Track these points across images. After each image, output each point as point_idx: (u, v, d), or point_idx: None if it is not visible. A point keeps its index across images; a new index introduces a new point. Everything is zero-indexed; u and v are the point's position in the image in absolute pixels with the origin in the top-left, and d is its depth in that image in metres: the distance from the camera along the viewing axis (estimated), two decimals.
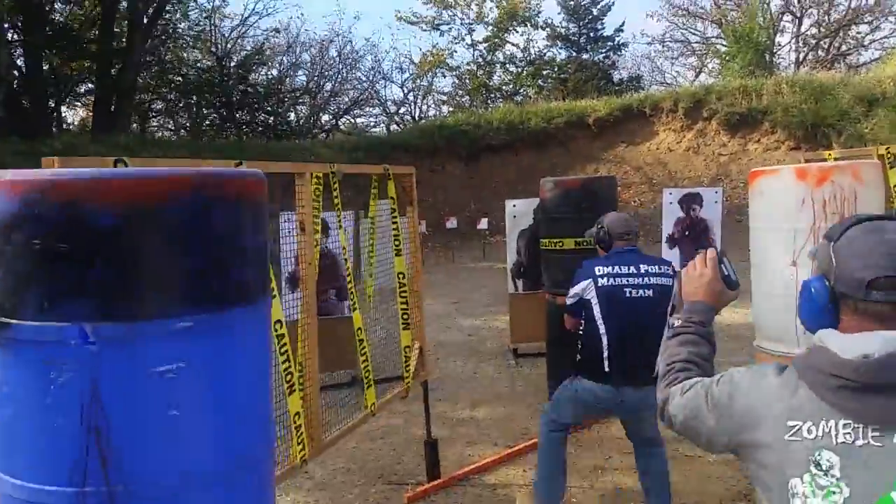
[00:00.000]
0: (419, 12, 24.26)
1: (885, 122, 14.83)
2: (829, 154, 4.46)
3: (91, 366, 1.35)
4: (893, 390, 1.14)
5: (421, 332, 4.20)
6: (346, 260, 3.69)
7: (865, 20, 28.63)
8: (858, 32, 28.89)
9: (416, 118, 27.62)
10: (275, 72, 25.88)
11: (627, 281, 3.24)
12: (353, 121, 28.96)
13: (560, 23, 29.26)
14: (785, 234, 3.39)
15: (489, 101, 24.67)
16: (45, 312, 1.35)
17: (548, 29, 27.23)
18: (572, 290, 3.41)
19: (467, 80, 24.76)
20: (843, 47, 29.36)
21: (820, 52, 29.20)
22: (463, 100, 25.03)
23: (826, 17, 28.62)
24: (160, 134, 24.23)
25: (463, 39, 24.27)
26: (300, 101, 26.63)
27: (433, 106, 28.88)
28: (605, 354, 3.23)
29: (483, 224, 14.33)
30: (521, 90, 26.32)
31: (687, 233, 8.06)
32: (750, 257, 3.83)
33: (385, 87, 28.81)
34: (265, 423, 1.68)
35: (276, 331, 2.64)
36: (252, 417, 1.59)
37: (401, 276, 3.89)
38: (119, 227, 1.33)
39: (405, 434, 5.18)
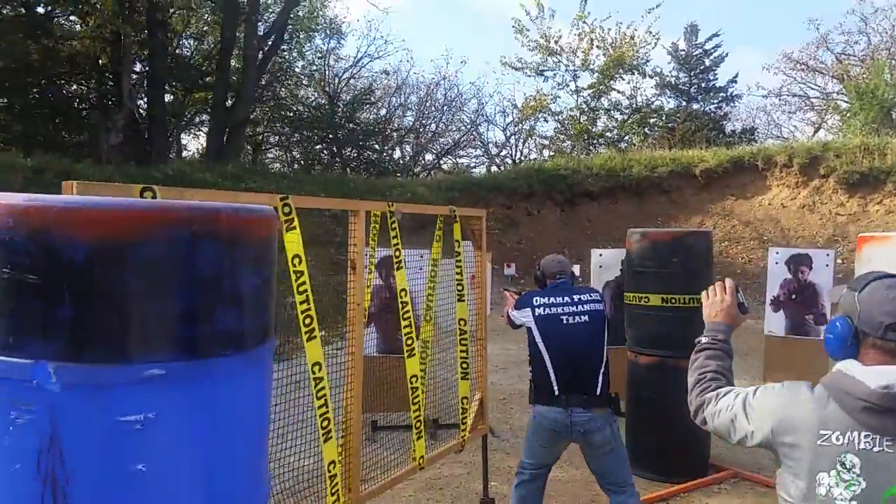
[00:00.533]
0: (524, 58, 24.37)
1: None
2: None
3: (51, 409, 1.23)
4: None
5: (482, 382, 3.97)
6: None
7: None
8: None
9: (516, 161, 27.61)
10: (383, 111, 26.67)
11: (563, 309, 3.55)
12: (454, 161, 29.32)
13: (670, 72, 28.66)
14: None
15: (591, 148, 24.28)
16: (10, 347, 1.24)
17: (656, 78, 26.66)
18: (515, 316, 3.73)
19: (569, 126, 24.50)
20: None
21: None
22: (564, 145, 24.76)
23: None
24: (276, 166, 25.36)
25: (567, 85, 24.13)
26: (405, 140, 27.24)
27: (534, 150, 28.81)
28: (552, 377, 3.49)
29: (576, 270, 13.88)
30: (626, 137, 25.77)
31: (794, 296, 7.43)
32: None
33: (487, 129, 29.09)
34: (253, 480, 1.51)
35: (314, 373, 2.51)
36: (235, 475, 1.43)
37: (462, 322, 3.69)
38: (91, 261, 1.21)
39: (466, 487, 4.91)
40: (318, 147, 24.80)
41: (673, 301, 5.04)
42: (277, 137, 25.60)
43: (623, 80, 24.11)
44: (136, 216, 1.24)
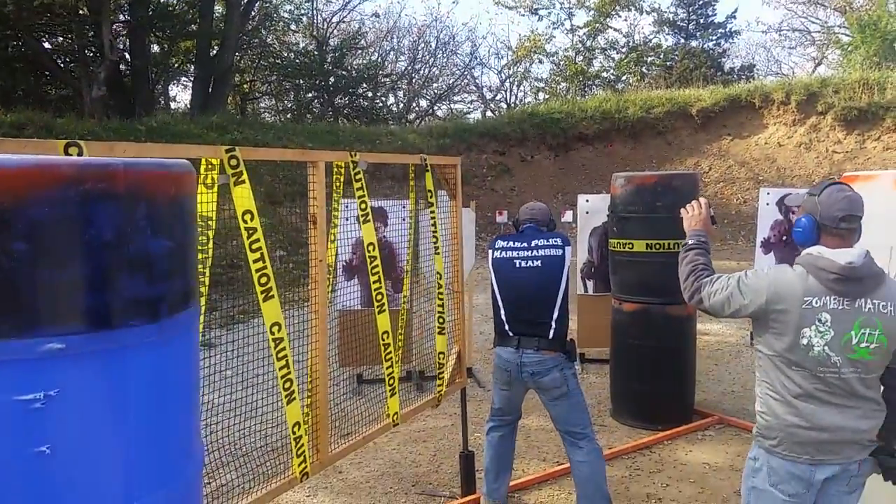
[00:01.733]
0: None
1: None
2: None
3: None
4: (858, 280, 2.20)
5: (460, 335, 3.90)
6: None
7: None
8: None
9: (511, 105, 27.14)
10: (374, 56, 26.06)
11: (517, 253, 3.58)
12: (449, 107, 28.84)
13: (668, 8, 27.90)
14: (878, 251, 2.85)
15: (588, 89, 23.82)
16: None
17: (654, 14, 25.99)
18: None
19: (565, 67, 23.97)
20: None
21: None
22: (560, 87, 24.28)
23: None
24: (266, 116, 24.88)
25: (562, 24, 23.51)
26: (397, 86, 26.71)
27: (529, 93, 28.30)
28: (505, 319, 3.56)
29: (567, 217, 13.75)
30: (623, 77, 25.28)
31: (784, 238, 7.33)
32: None
33: (482, 73, 28.50)
34: (180, 454, 1.43)
35: (272, 334, 2.42)
36: (158, 450, 1.35)
37: (438, 275, 3.60)
38: None
39: (449, 439, 4.90)
40: (309, 96, 24.32)
41: (658, 247, 4.94)
42: (267, 86, 25.09)
43: (620, 17, 23.54)
44: (15, 176, 1.12)
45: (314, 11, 24.46)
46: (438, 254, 3.62)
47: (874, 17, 20.18)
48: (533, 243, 3.57)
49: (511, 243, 3.61)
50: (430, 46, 25.80)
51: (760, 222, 7.42)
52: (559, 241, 3.57)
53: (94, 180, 1.18)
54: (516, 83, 26.17)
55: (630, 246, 5.04)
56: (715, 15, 28.26)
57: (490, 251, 3.68)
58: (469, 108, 28.55)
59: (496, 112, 26.79)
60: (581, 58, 23.63)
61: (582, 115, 18.06)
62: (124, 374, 1.27)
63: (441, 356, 3.65)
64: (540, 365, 3.47)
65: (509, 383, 3.61)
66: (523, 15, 23.80)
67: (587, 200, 6.42)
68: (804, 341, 2.21)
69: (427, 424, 5.15)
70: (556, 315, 3.47)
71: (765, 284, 2.28)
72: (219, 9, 19.03)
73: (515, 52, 23.47)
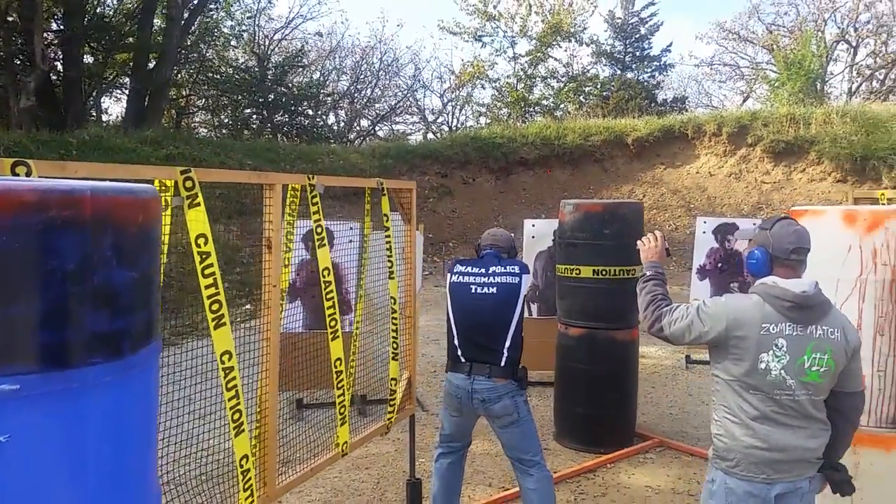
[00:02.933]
0: (462, 22, 24.00)
1: None
2: (882, 193, 4.01)
3: None
4: (810, 308, 2.36)
5: (411, 360, 3.86)
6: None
7: None
8: None
9: (453, 128, 27.36)
10: (316, 75, 25.89)
11: (474, 279, 3.55)
12: (390, 127, 28.85)
13: (606, 40, 28.78)
14: (825, 283, 2.96)
15: (528, 116, 24.25)
16: None
17: (592, 45, 26.75)
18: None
19: (506, 93, 24.36)
20: None
21: (874, 84, 28.22)
22: (501, 112, 24.64)
23: (883, 48, 27.64)
24: (202, 132, 24.32)
25: (505, 52, 23.91)
26: (339, 105, 26.58)
27: (471, 117, 28.61)
28: (458, 344, 3.52)
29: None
30: (562, 105, 25.86)
31: (720, 265, 7.57)
32: None
33: (424, 95, 28.64)
34: (138, 493, 1.34)
35: (223, 363, 2.33)
36: (115, 491, 1.26)
37: (392, 301, 3.55)
38: None
39: (393, 466, 4.82)
40: (247, 112, 23.91)
41: (604, 273, 5.02)
42: (204, 101, 24.56)
43: (560, 47, 24.10)
44: None
45: (255, 28, 24.19)
46: (393, 278, 3.57)
47: (799, 56, 21.29)
48: (491, 270, 3.55)
49: (469, 268, 3.59)
50: (374, 67, 25.83)
51: (697, 250, 7.67)
52: (517, 269, 3.55)
53: (58, 207, 1.10)
54: (458, 107, 26.45)
55: (577, 272, 5.11)
56: (651, 48, 29.32)
57: (448, 275, 3.65)
58: (411, 129, 28.66)
59: (437, 135, 26.98)
60: (522, 85, 24.06)
61: (523, 141, 18.35)
62: (83, 416, 1.18)
63: (393, 382, 3.59)
64: (491, 392, 3.42)
65: (460, 410, 3.56)
66: (467, 41, 24.10)
67: (533, 225, 6.50)
68: (762, 366, 2.34)
69: (369, 451, 5.05)
70: (508, 343, 3.43)
71: (724, 312, 2.40)
72: (157, 21, 18.58)
73: (459, 77, 23.75)
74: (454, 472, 3.73)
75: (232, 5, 22.26)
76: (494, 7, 23.03)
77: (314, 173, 3.04)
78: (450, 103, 28.39)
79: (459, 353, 3.51)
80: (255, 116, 24.04)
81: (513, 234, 3.92)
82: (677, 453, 5.15)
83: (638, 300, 2.67)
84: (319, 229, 2.92)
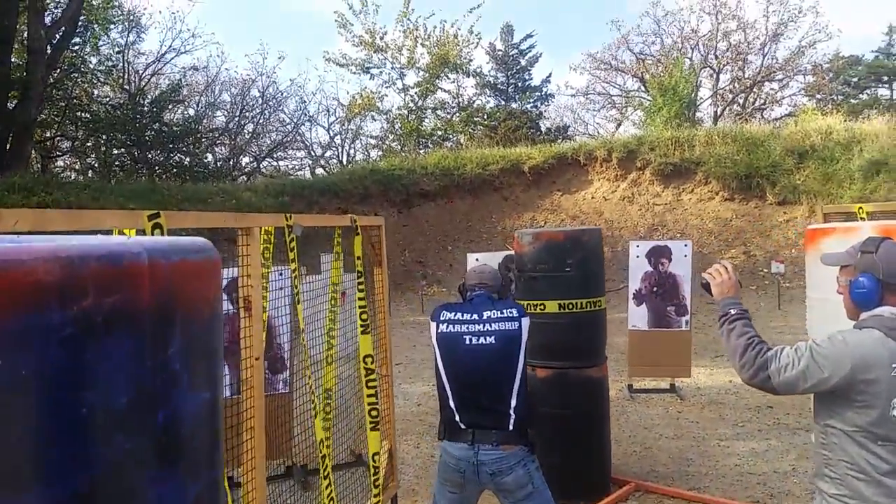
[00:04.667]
0: (349, 54, 23.58)
1: (816, 174, 15.02)
2: (860, 207, 3.89)
3: None
4: None
5: (391, 429, 3.26)
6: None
7: (776, 78, 30.11)
8: (772, 88, 30.32)
9: (344, 162, 26.73)
10: (192, 111, 24.54)
11: (467, 328, 3.01)
12: (275, 164, 27.80)
13: (489, 72, 29.33)
14: None
15: (423, 147, 24.10)
16: None
17: (477, 77, 27.10)
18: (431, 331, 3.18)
19: (398, 125, 24.10)
20: (758, 102, 30.64)
21: (736, 107, 30.35)
22: (393, 144, 24.32)
23: (741, 74, 29.85)
24: (67, 174, 22.30)
25: (394, 83, 23.68)
26: (219, 142, 25.30)
27: (361, 150, 28.11)
28: (455, 409, 3.00)
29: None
30: (452, 136, 25.92)
31: (655, 289, 7.45)
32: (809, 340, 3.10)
33: (311, 129, 27.87)
34: None
35: None
36: None
37: (368, 359, 2.96)
38: None
39: None
40: (117, 152, 22.19)
41: (570, 307, 4.64)
42: (70, 142, 22.60)
43: (448, 79, 24.17)
44: None
45: (125, 64, 22.64)
46: (367, 333, 2.99)
47: (672, 82, 22.43)
48: (485, 315, 3.02)
49: (459, 315, 3.05)
50: (255, 101, 24.84)
51: (632, 274, 7.52)
52: (515, 313, 3.05)
53: (99, 289, 0.51)
54: (348, 140, 25.90)
55: (541, 307, 4.69)
56: (531, 79, 30.24)
57: (434, 324, 3.09)
58: (297, 164, 27.77)
59: (327, 169, 26.24)
60: (413, 116, 23.90)
61: (423, 172, 18.06)
62: None
63: (375, 457, 2.98)
64: (501, 463, 2.91)
65: (462, 485, 3.00)
66: (355, 73, 23.66)
67: (476, 259, 6.04)
68: (894, 412, 2.03)
69: None
70: (514, 401, 2.94)
71: (847, 353, 2.07)
72: (15, 58, 16.88)
73: (348, 109, 23.23)
74: None
75: (99, 39, 20.72)
76: (381, 38, 22.80)
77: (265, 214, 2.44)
78: (338, 136, 27.80)
79: (458, 418, 2.98)
80: (126, 156, 22.35)
81: (498, 270, 3.43)
82: (658, 497, 4.82)
83: (727, 345, 2.28)
84: (297, 281, 2.31)
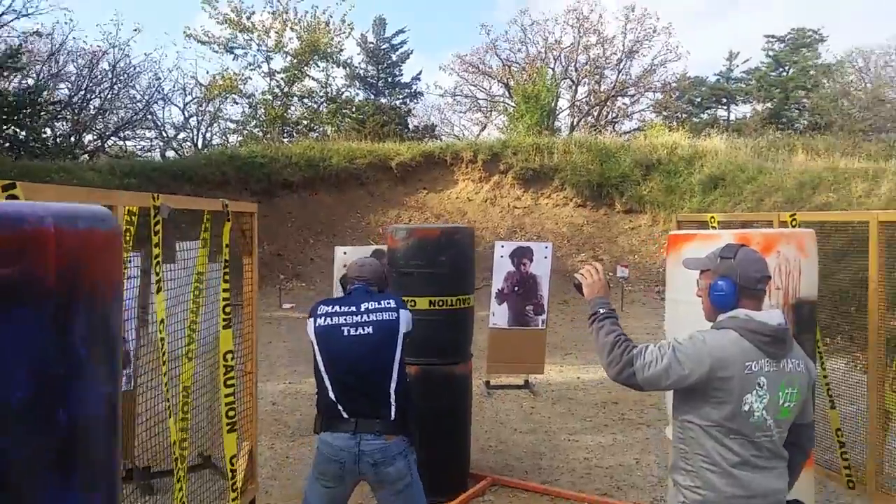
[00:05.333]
0: (212, 32, 22.40)
1: (661, 186, 16.17)
2: (713, 217, 4.20)
3: None
4: (783, 342, 2.24)
5: (253, 429, 3.10)
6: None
7: (629, 93, 32.15)
8: (624, 103, 32.32)
9: (199, 145, 25.37)
10: (31, 81, 22.27)
11: (345, 320, 3.06)
12: (122, 143, 25.88)
13: (359, 64, 29.04)
14: None
15: (288, 136, 23.39)
16: None
17: (347, 68, 26.74)
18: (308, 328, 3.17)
19: (261, 110, 23.22)
20: (610, 115, 32.57)
21: (590, 119, 32.09)
22: (255, 130, 23.41)
23: (597, 87, 31.58)
24: None
25: (259, 66, 22.78)
26: (60, 116, 23.17)
27: (219, 134, 26.82)
28: (335, 400, 3.00)
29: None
30: (319, 127, 25.40)
31: (517, 288, 7.67)
32: (666, 338, 3.29)
33: (164, 108, 26.20)
34: None
35: None
36: None
37: (229, 356, 2.79)
38: None
39: None
40: None
41: (441, 304, 4.66)
42: None
43: (318, 66, 23.62)
44: None
45: None
46: (229, 328, 2.81)
47: (536, 91, 23.31)
48: (363, 307, 3.06)
49: (336, 307, 3.07)
50: (106, 75, 22.99)
51: (495, 274, 7.70)
52: (392, 304, 3.11)
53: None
54: (206, 123, 24.61)
55: (413, 303, 4.65)
56: (402, 75, 30.30)
57: (311, 319, 3.08)
58: (148, 145, 26.02)
59: (179, 152, 24.80)
60: (279, 103, 23.14)
61: (286, 161, 17.54)
62: None
63: (234, 460, 2.82)
64: (383, 453, 2.92)
65: (340, 478, 2.97)
66: (217, 52, 22.49)
67: (345, 252, 5.92)
68: (745, 407, 2.16)
69: None
70: (394, 390, 2.98)
71: (705, 351, 2.17)
72: None
73: (208, 90, 22.07)
74: None
75: None
76: (248, 19, 21.86)
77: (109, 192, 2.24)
78: (193, 118, 26.35)
79: (340, 408, 2.96)
80: None
81: (383, 264, 3.46)
82: (513, 490, 4.95)
83: (595, 342, 2.36)
84: (159, 269, 2.12)
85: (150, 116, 25.01)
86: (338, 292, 6.01)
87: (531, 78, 25.03)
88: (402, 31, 29.54)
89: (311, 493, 3.04)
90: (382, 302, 3.10)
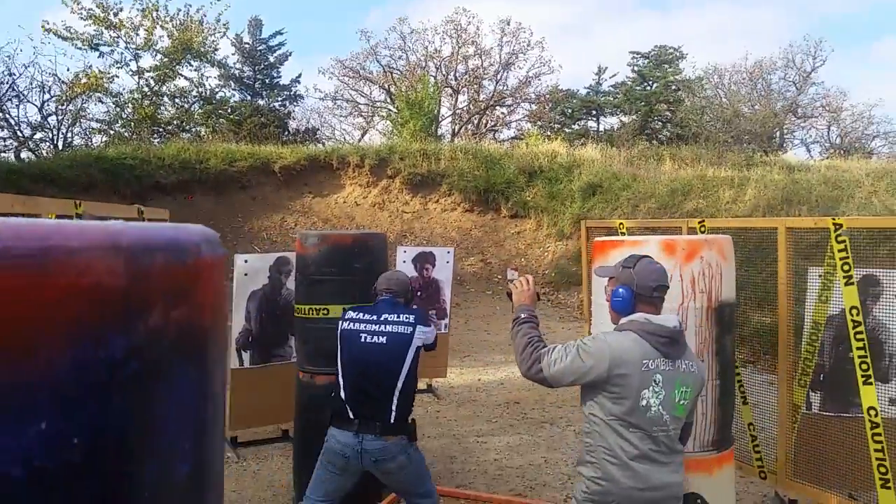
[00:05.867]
0: (74, 27, 20.75)
1: (543, 192, 16.72)
2: (621, 223, 4.35)
3: None
4: (678, 343, 2.45)
5: None
6: None
7: (506, 103, 33.06)
8: (502, 112, 33.18)
9: (59, 145, 23.43)
10: None
11: (365, 327, 3.45)
12: None
13: (235, 64, 28.00)
14: None
15: (160, 137, 22.10)
16: None
17: (222, 69, 25.69)
18: None
19: (129, 110, 21.80)
20: (490, 124, 33.32)
21: (471, 127, 32.68)
22: (122, 131, 21.91)
23: (477, 96, 32.23)
24: None
25: (127, 64, 21.37)
26: None
27: (81, 134, 24.89)
28: (345, 398, 3.40)
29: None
30: (192, 128, 24.22)
31: (420, 293, 7.65)
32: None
33: (19, 106, 23.96)
34: None
35: None
36: None
37: None
38: None
39: None
40: None
41: None
42: None
43: (191, 66, 22.47)
44: None
45: None
46: None
47: (419, 98, 23.44)
48: (383, 317, 3.45)
49: (361, 315, 3.49)
50: None
51: None
52: (411, 319, 3.44)
53: (167, 296, 0.32)
54: (68, 122, 22.75)
55: (325, 311, 4.52)
56: (280, 77, 29.50)
57: (340, 322, 3.56)
58: (2, 145, 23.74)
59: (37, 153, 22.79)
60: (148, 102, 21.81)
61: (159, 164, 16.58)
62: None
63: None
64: (383, 452, 3.30)
65: (345, 469, 3.39)
66: (80, 48, 20.86)
67: (245, 261, 5.66)
68: (643, 403, 2.37)
69: None
70: (397, 396, 3.31)
71: (607, 350, 2.40)
72: None
73: (70, 87, 20.41)
74: None
75: None
76: (115, 15, 20.45)
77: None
78: (52, 117, 24.31)
79: (348, 407, 3.36)
80: None
81: (409, 279, 3.85)
82: None
83: (514, 343, 2.63)
84: None
85: (2, 115, 22.85)
86: (237, 305, 5.76)
87: (413, 86, 25.15)
88: (279, 33, 28.77)
89: (321, 476, 3.44)
90: (402, 316, 3.44)
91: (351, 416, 3.33)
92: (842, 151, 25.35)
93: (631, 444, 2.37)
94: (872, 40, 54.40)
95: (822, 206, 10.95)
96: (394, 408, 3.29)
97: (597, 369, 2.37)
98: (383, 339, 3.36)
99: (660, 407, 2.37)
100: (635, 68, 32.98)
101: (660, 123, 32.15)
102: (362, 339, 3.38)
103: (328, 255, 4.54)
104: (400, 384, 3.31)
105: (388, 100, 30.84)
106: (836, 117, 28.55)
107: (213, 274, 0.47)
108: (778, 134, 27.32)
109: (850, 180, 11.63)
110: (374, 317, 3.45)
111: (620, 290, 2.51)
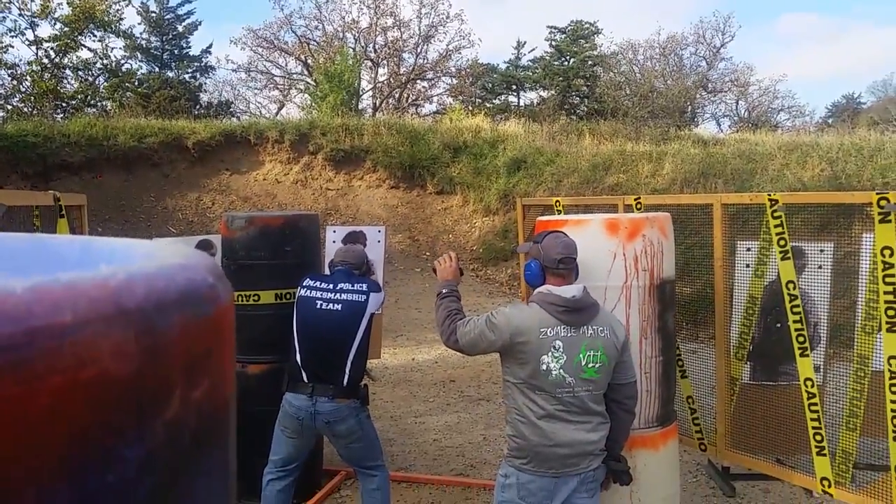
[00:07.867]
0: None
1: (468, 168, 16.68)
2: (558, 201, 4.32)
3: None
4: (581, 311, 2.65)
5: None
6: None
7: (427, 77, 32.74)
8: (423, 86, 32.86)
9: None
10: None
11: (321, 294, 3.61)
12: None
13: (141, 34, 26.55)
14: (596, 292, 2.96)
15: (64, 112, 20.73)
16: None
17: (128, 39, 24.29)
18: None
19: (28, 83, 20.33)
20: (411, 98, 32.96)
21: (392, 101, 32.24)
22: (21, 106, 20.42)
23: (397, 69, 31.75)
24: None
25: (22, 34, 19.87)
26: None
27: None
28: (300, 363, 3.58)
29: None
30: (99, 103, 22.86)
31: None
32: None
33: None
34: None
35: None
36: None
37: None
38: None
39: None
40: None
41: (289, 296, 4.34)
42: None
43: (94, 36, 21.09)
44: None
45: None
46: None
47: (338, 70, 22.88)
48: (339, 286, 3.60)
49: (318, 283, 3.65)
50: None
51: (328, 259, 7.44)
52: (364, 287, 3.60)
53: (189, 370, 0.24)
54: None
55: (256, 298, 4.33)
56: (190, 48, 28.20)
57: (298, 288, 3.71)
58: None
59: None
60: (49, 75, 20.39)
61: (64, 141, 15.58)
62: None
63: None
64: (335, 414, 3.48)
65: (300, 432, 3.58)
66: None
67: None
68: (543, 367, 2.59)
69: None
70: (350, 361, 3.47)
71: (507, 321, 2.65)
72: None
73: None
74: (285, 496, 3.70)
75: None
76: None
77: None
78: None
79: (302, 372, 3.53)
80: None
81: (350, 251, 3.89)
82: None
83: (436, 316, 2.88)
84: None
85: None
86: None
87: (332, 57, 24.52)
88: (188, 1, 27.42)
89: (278, 442, 3.63)
90: (356, 285, 3.59)
91: (305, 379, 3.50)
92: (750, 125, 26.46)
93: (537, 405, 2.61)
94: (777, 15, 56.90)
95: (737, 179, 11.38)
96: (347, 370, 3.46)
97: (501, 339, 2.63)
98: (338, 307, 3.53)
99: (560, 370, 2.58)
100: (553, 43, 33.27)
101: (578, 99, 32.63)
102: (318, 306, 3.54)
103: (257, 239, 4.35)
104: (354, 349, 3.49)
105: (306, 72, 29.99)
106: (743, 92, 29.76)
107: (232, 324, 0.35)
108: (690, 108, 28.24)
109: (763, 153, 12.11)
110: (331, 285, 3.60)
111: (531, 263, 2.76)
